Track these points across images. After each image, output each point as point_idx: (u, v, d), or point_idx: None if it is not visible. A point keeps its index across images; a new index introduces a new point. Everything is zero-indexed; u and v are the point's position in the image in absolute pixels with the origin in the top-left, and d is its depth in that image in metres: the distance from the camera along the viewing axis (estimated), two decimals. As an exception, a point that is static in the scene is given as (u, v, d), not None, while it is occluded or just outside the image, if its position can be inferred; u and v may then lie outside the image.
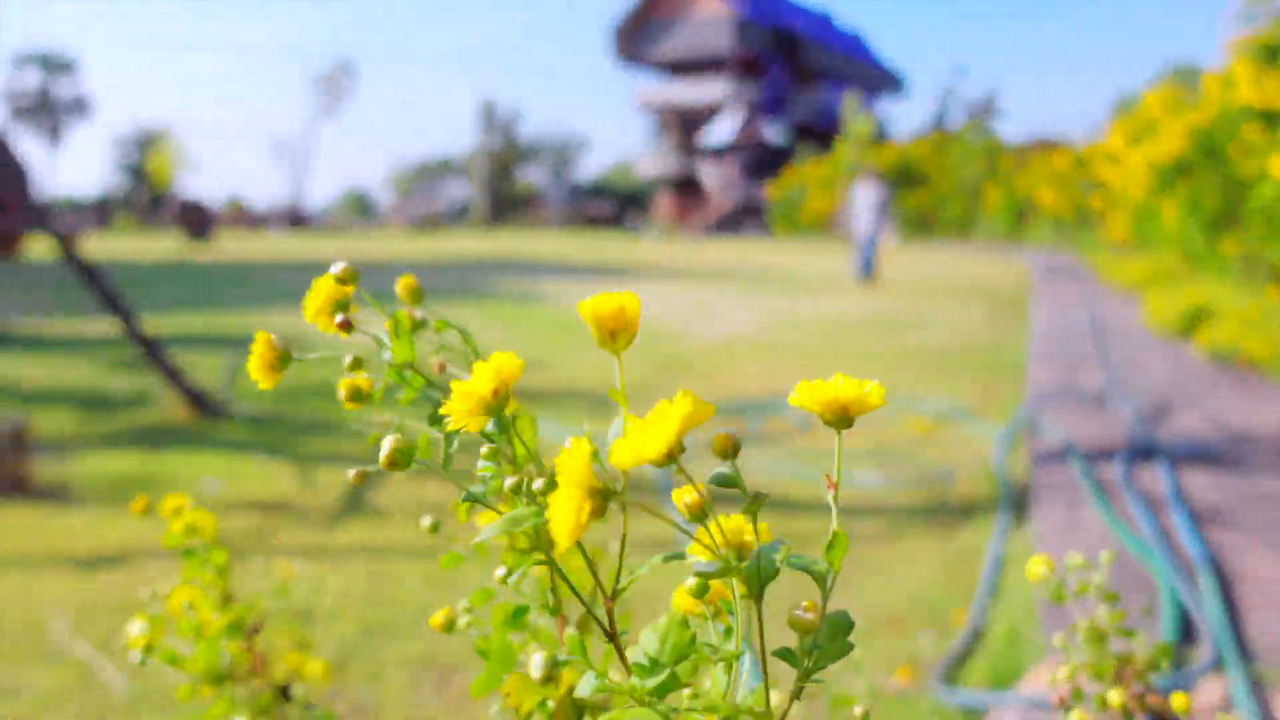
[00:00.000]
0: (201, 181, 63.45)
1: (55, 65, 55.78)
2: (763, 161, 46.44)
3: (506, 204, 66.88)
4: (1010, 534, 2.78)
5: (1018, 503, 3.07)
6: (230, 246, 25.09)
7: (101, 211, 42.87)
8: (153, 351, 3.98)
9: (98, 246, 24.20)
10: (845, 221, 12.93)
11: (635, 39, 50.63)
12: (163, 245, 25.81)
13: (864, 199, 12.85)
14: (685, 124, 48.94)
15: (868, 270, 12.64)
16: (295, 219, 47.49)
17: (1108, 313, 7.94)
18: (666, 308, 9.29)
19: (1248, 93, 6.98)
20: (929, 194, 31.76)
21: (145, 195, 48.96)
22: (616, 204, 69.35)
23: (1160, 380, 4.75)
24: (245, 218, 46.24)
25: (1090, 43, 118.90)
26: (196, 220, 26.16)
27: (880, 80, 57.86)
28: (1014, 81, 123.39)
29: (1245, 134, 7.22)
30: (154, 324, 6.96)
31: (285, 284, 12.18)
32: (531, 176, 70.78)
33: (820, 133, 49.59)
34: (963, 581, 2.46)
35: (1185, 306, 6.37)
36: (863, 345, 6.92)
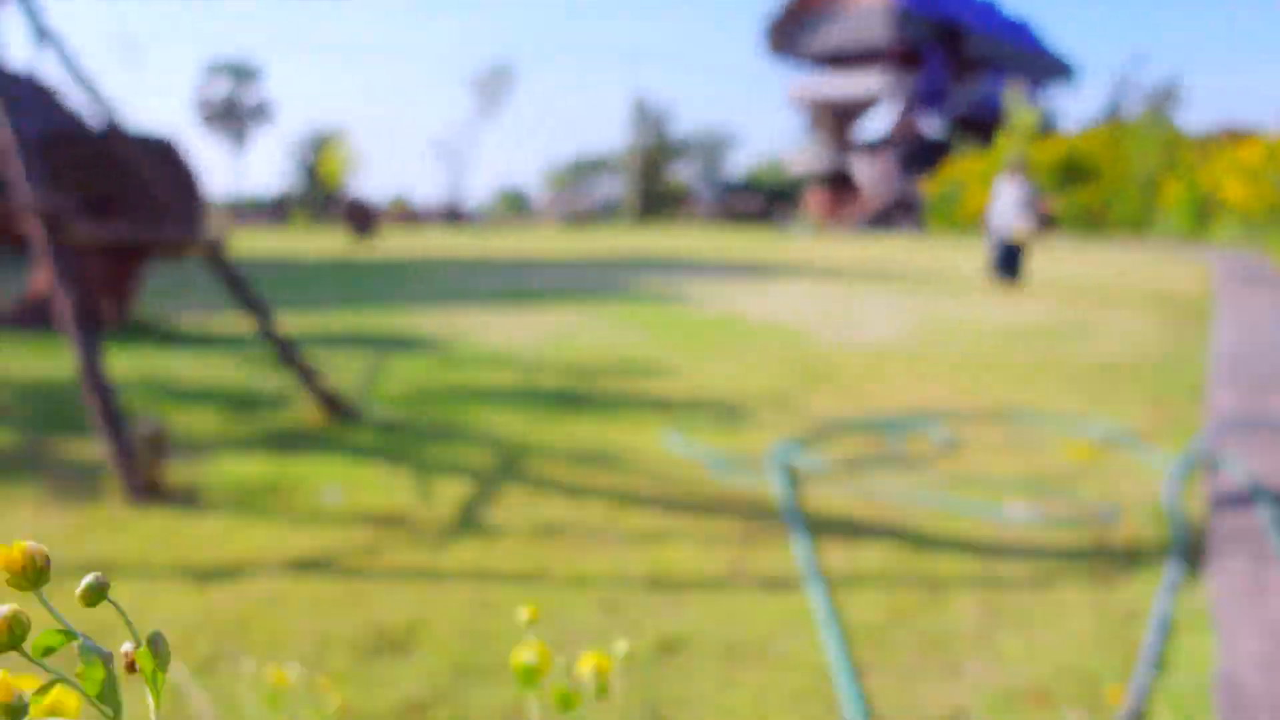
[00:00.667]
0: (369, 181, 66.78)
1: (242, 73, 59.82)
2: (919, 156, 44.89)
3: (656, 200, 67.32)
4: (1181, 591, 2.44)
5: (1192, 553, 2.71)
6: (392, 244, 26.17)
7: (279, 210, 45.68)
8: (288, 352, 4.06)
9: (272, 244, 25.73)
10: (988, 218, 12.12)
11: (789, 33, 49.90)
12: (331, 242, 27.18)
13: (1007, 195, 11.98)
14: (838, 118, 47.89)
15: (1007, 270, 11.84)
16: (453, 216, 49.21)
17: (1305, 324, 7.15)
18: (812, 310, 8.99)
19: None
20: (1100, 189, 29.83)
21: (318, 194, 51.82)
22: (765, 200, 68.66)
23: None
24: (408, 215, 48.26)
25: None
26: (362, 218, 27.41)
27: (1048, 69, 54.90)
28: (1200, 66, 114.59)
29: None
30: (304, 322, 7.27)
31: (439, 283, 12.53)
32: (681, 173, 70.99)
33: (982, 125, 47.50)
34: (1122, 647, 2.15)
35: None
36: (1018, 356, 6.45)
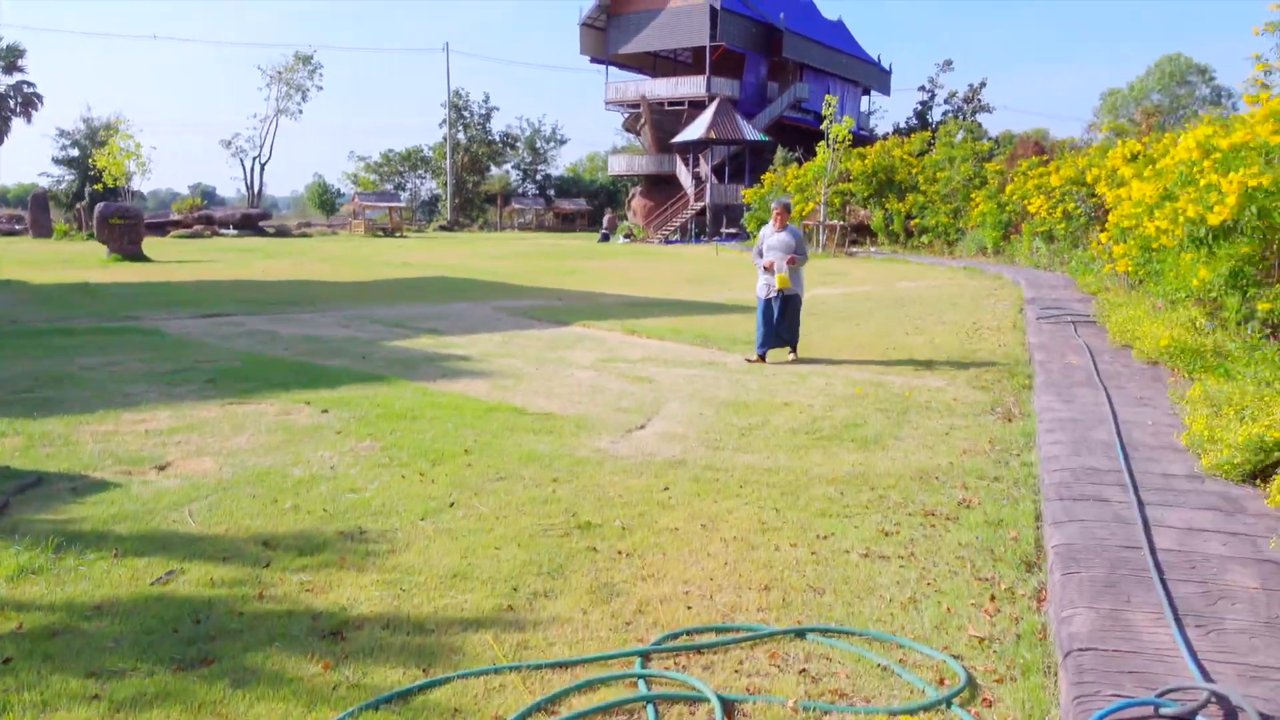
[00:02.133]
0: (159, 178, 61.24)
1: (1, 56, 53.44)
2: (741, 160, 44.77)
3: (476, 200, 64.88)
4: None
5: None
6: (165, 256, 23.34)
7: (39, 212, 40.63)
8: None
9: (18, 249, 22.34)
10: (758, 267, 9.57)
11: (606, 32, 48.78)
12: (90, 256, 24.03)
13: (775, 242, 9.37)
14: (658, 120, 47.18)
15: (765, 345, 9.37)
16: (252, 219, 45.45)
17: (1134, 416, 6.37)
18: (604, 382, 7.65)
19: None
20: (912, 200, 30.17)
21: (88, 193, 46.72)
22: (591, 200, 67.54)
23: (1249, 601, 3.21)
24: (202, 218, 44.18)
25: (1081, 33, 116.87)
26: (119, 228, 24.29)
27: (864, 74, 56.20)
28: (1002, 74, 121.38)
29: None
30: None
31: (98, 374, 10.46)
32: (504, 172, 68.73)
33: (803, 130, 47.97)
34: None
35: (1248, 438, 4.80)
36: (822, 468, 5.30)
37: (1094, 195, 21.49)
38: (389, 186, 65.94)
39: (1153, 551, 3.80)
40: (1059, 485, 4.81)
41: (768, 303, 9.38)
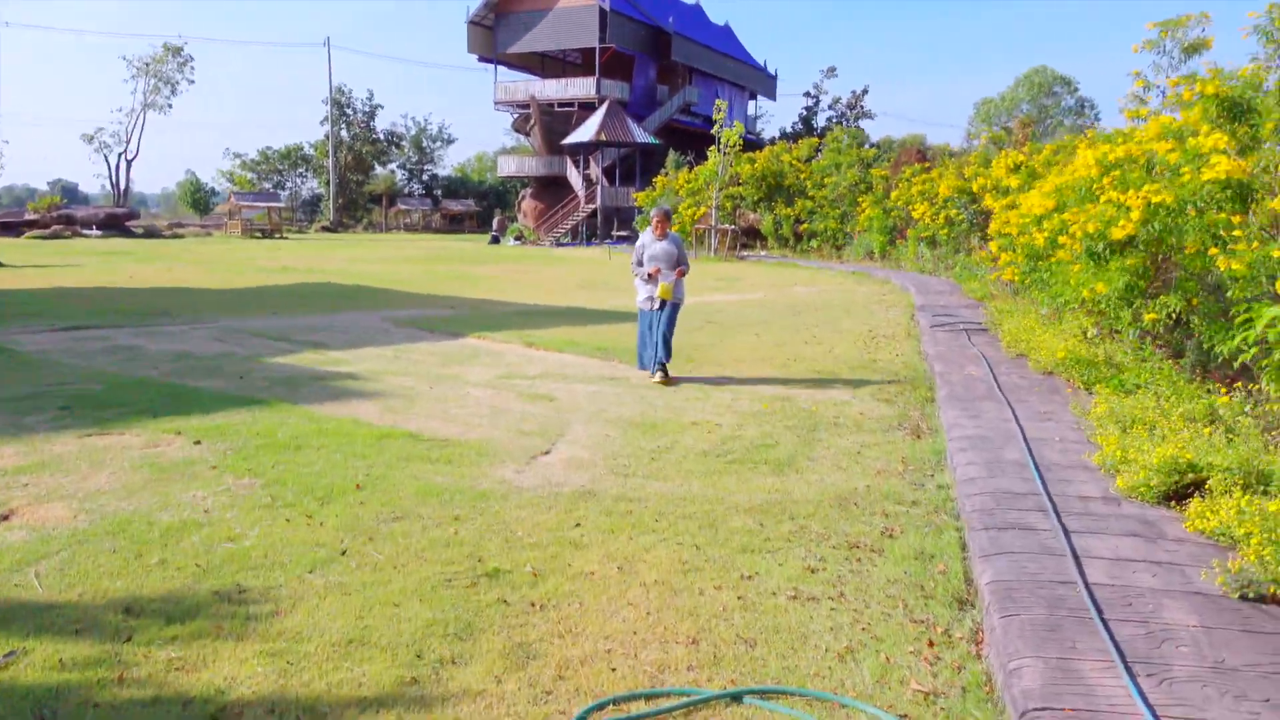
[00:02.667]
0: (13, 173, 57.22)
1: None
2: (632, 163, 44.71)
3: (360, 200, 63.01)
4: None
5: None
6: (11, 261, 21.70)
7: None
8: None
9: None
10: (636, 280, 9.06)
11: (494, 30, 48.03)
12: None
13: (656, 250, 8.76)
14: (548, 121, 46.70)
15: (662, 356, 8.72)
16: (118, 219, 42.91)
17: (1041, 432, 6.37)
18: (504, 403, 7.25)
19: (1225, 166, 5.49)
20: (800, 205, 30.58)
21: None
22: (480, 201, 66.50)
23: (1192, 642, 3.11)
24: (62, 218, 41.46)
25: (955, 44, 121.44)
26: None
27: (751, 79, 56.96)
28: (883, 81, 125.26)
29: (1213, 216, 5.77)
30: None
31: None
32: (389, 171, 66.96)
33: (692, 133, 48.25)
34: None
35: (1162, 460, 4.79)
36: (738, 496, 5.07)
37: (975, 202, 22.21)
38: (268, 185, 63.39)
39: (1088, 588, 3.68)
40: (981, 512, 4.70)
41: (650, 316, 8.86)
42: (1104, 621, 3.37)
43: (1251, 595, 3.59)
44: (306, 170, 65.85)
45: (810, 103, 59.37)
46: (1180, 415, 6.00)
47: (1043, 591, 3.67)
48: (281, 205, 53.56)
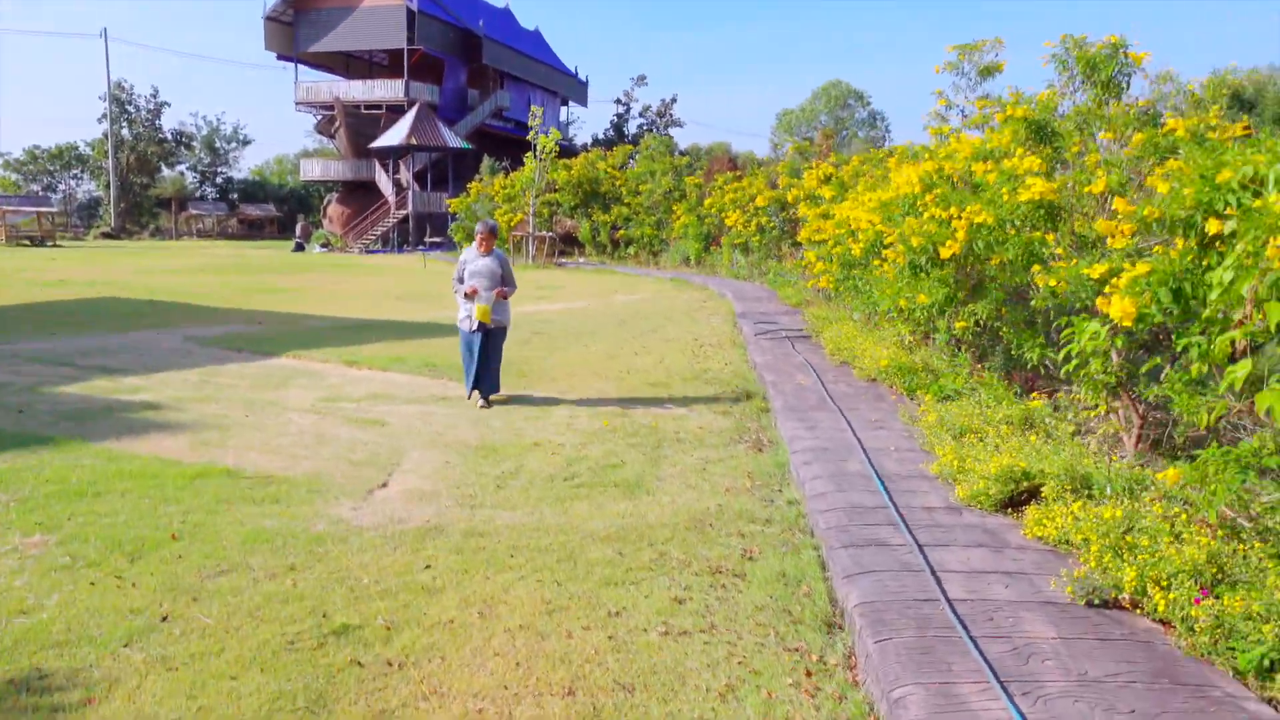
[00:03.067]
0: None
1: None
2: (444, 168, 43.76)
3: (145, 205, 58.51)
4: None
5: None
6: None
7: None
8: None
9: None
10: (459, 298, 8.40)
11: (294, 27, 45.83)
12: None
13: (479, 266, 8.19)
14: (354, 124, 45.00)
15: (473, 384, 8.26)
16: None
17: (877, 442, 6.57)
18: (321, 434, 6.75)
19: (1039, 188, 5.83)
20: (617, 212, 30.83)
21: None
22: (280, 206, 63.32)
23: (1055, 655, 3.22)
24: None
25: (756, 56, 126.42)
26: None
27: (563, 85, 57.04)
28: (690, 90, 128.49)
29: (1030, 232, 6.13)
30: None
31: None
32: (178, 173, 62.53)
33: (506, 139, 47.78)
34: None
35: (1000, 470, 5.01)
36: (597, 558, 4.92)
37: (785, 210, 23.10)
38: (36, 188, 57.76)
39: (951, 605, 3.76)
40: (836, 530, 4.75)
41: (470, 336, 8.20)
42: (973, 640, 3.44)
43: (1097, 601, 3.77)
44: (82, 171, 60.47)
45: (621, 110, 60.13)
46: (1001, 420, 6.34)
47: (910, 611, 3.72)
48: (54, 210, 48.91)
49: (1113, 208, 4.66)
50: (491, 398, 8.36)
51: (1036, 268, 5.60)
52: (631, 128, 59.31)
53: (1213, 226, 3.82)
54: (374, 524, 5.08)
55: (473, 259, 8.32)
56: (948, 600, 3.80)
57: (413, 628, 3.81)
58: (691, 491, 5.83)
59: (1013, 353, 8.09)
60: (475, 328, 8.15)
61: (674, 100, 59.43)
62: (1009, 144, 6.80)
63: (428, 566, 4.48)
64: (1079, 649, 3.38)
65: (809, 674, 3.51)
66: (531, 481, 5.98)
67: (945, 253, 6.32)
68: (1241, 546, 3.88)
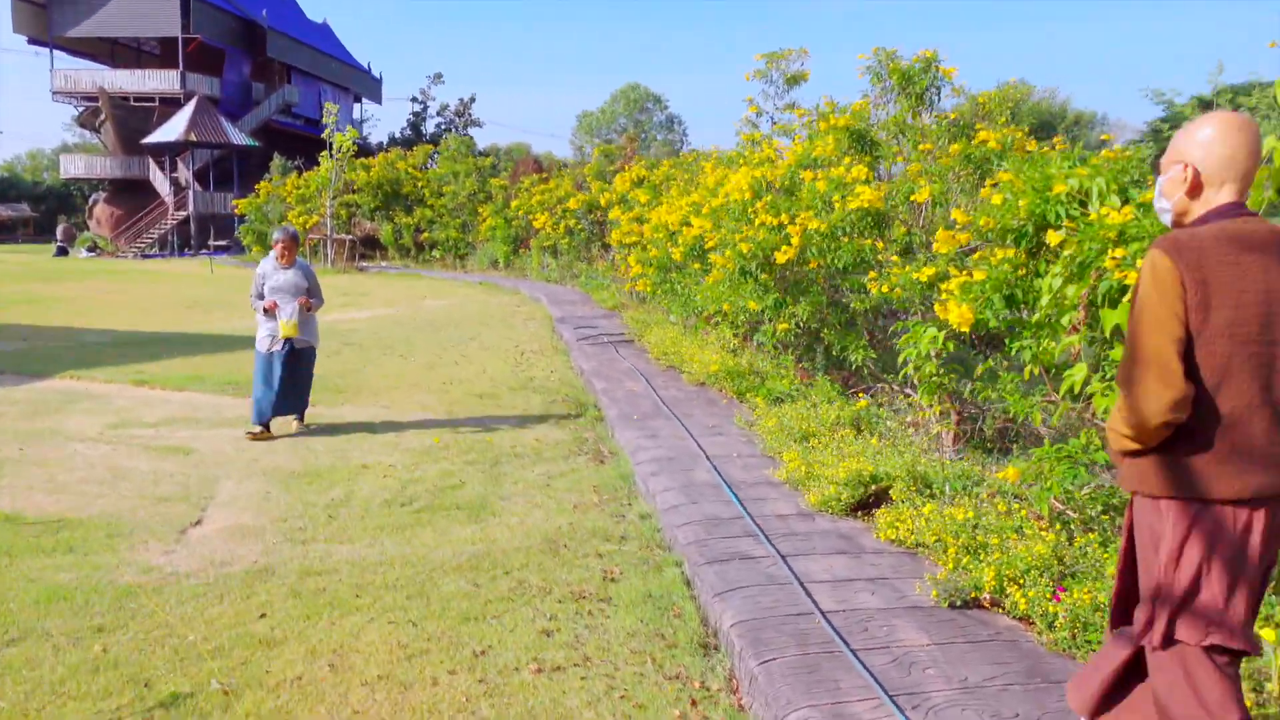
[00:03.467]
0: None
1: None
2: (228, 166, 41.07)
3: None
4: None
5: None
6: None
7: None
8: None
9: None
10: (258, 314, 7.48)
11: (47, 9, 41.66)
12: None
13: (277, 281, 7.35)
14: (123, 117, 41.44)
15: (272, 412, 7.27)
16: None
17: (719, 449, 6.59)
18: (92, 484, 5.99)
19: (867, 195, 6.01)
20: (420, 214, 29.93)
21: None
22: (37, 206, 57.51)
23: (934, 663, 3.26)
24: None
25: (554, 57, 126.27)
26: None
27: (355, 81, 54.88)
28: (488, 90, 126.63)
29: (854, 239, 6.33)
30: None
31: None
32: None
33: (296, 136, 45.41)
34: None
35: (849, 474, 5.10)
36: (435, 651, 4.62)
37: (592, 212, 23.18)
38: None
39: (826, 617, 3.75)
40: (696, 544, 4.67)
41: (269, 358, 7.29)
42: (855, 654, 3.43)
43: (959, 603, 3.87)
44: None
45: (418, 108, 58.54)
46: (835, 422, 6.51)
47: (787, 628, 3.68)
48: None
49: (952, 217, 4.85)
50: (308, 419, 7.70)
51: (873, 274, 5.77)
52: (430, 127, 57.90)
53: (1052, 238, 4.01)
54: (192, 570, 4.55)
55: (272, 272, 7.41)
56: (822, 613, 3.79)
57: (255, 689, 3.40)
58: (539, 510, 5.61)
59: (834, 354, 8.37)
60: (279, 347, 7.28)
61: (473, 100, 58.50)
62: (833, 152, 7.01)
63: (263, 615, 4.04)
64: (954, 654, 3.44)
65: (694, 703, 3.39)
66: (366, 509, 5.57)
67: (781, 258, 6.42)
68: (1079, 539, 4.10)
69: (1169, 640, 2.27)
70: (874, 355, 7.53)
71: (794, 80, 12.22)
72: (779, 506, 5.24)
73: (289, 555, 4.77)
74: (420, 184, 30.83)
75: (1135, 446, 2.25)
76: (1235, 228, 2.18)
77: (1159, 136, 30.35)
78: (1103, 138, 8.83)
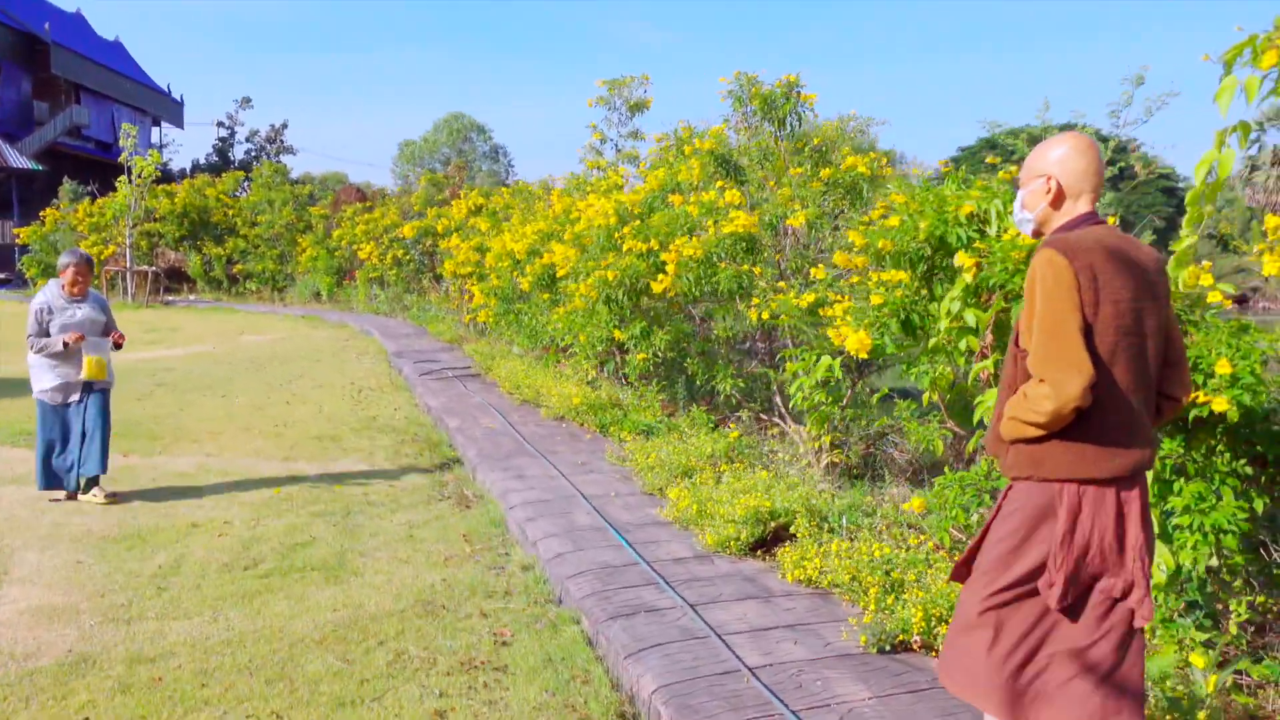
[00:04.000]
0: None
1: None
2: (8, 192, 37.33)
3: None
4: None
5: None
6: None
7: None
8: None
9: None
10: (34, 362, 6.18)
11: None
12: None
13: (70, 318, 6.15)
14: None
15: (96, 468, 6.14)
16: None
17: (594, 487, 6.20)
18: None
19: (740, 221, 5.82)
20: (232, 244, 28.07)
21: None
22: None
23: (879, 718, 2.99)
24: None
25: (371, 84, 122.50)
26: None
27: (153, 103, 51.30)
28: (302, 116, 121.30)
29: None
30: None
31: None
32: None
33: (87, 160, 41.88)
34: None
35: (747, 511, 4.83)
36: None
37: (420, 241, 22.44)
38: None
39: (755, 674, 3.43)
40: (595, 597, 4.27)
41: (62, 410, 6.13)
42: (797, 716, 3.12)
43: (888, 648, 3.65)
44: None
45: (225, 133, 55.33)
46: (710, 455, 6.27)
47: (717, 690, 3.33)
48: None
49: (849, 238, 4.70)
50: (98, 497, 6.14)
51: (756, 300, 5.57)
52: (239, 153, 54.82)
53: (964, 260, 3.89)
54: (-12, 666, 3.73)
55: (62, 306, 6.14)
56: (750, 670, 3.47)
57: (84, 822, 2.73)
58: (406, 566, 5.04)
59: (698, 383, 8.18)
60: (74, 398, 6.13)
61: (285, 126, 55.87)
62: (699, 176, 6.82)
63: (85, 719, 3.32)
64: (899, 707, 3.19)
65: (626, 787, 2.98)
66: (202, 576, 4.83)
67: (657, 287, 6.13)
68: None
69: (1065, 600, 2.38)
70: (742, 384, 7.36)
71: (637, 107, 12.10)
72: (673, 549, 4.91)
73: (112, 639, 4.02)
74: (232, 212, 28.91)
75: (1039, 433, 2.37)
76: (1113, 238, 2.40)
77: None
78: (913, 171, 9.08)
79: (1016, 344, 2.50)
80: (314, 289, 25.93)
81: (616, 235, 6.81)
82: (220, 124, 55.37)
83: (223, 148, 55.17)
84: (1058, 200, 2.49)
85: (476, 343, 14.17)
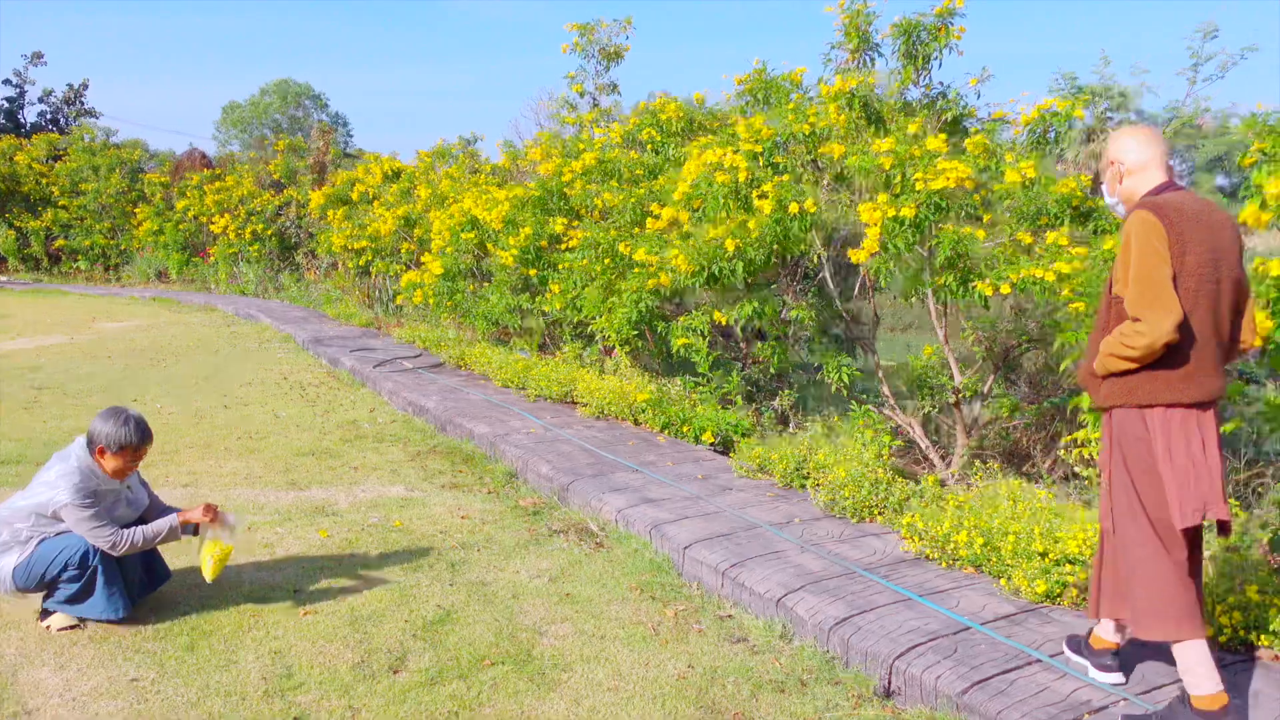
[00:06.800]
0: None
1: None
2: None
3: None
4: None
5: None
6: None
7: None
8: None
9: None
10: None
11: None
12: None
13: None
14: None
15: None
16: None
17: (772, 515, 4.91)
18: None
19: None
20: (52, 217, 24.36)
21: None
22: None
23: None
24: None
25: (186, 42, 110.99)
26: None
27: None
28: (105, 76, 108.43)
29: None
30: None
31: None
32: None
33: None
34: None
35: (1059, 555, 3.72)
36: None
37: (282, 213, 20.14)
38: None
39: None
40: (976, 688, 3.04)
41: None
42: None
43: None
44: None
45: (13, 92, 48.75)
46: (875, 460, 5.13)
47: None
48: None
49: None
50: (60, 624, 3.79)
51: (986, 270, 4.44)
52: (31, 115, 48.45)
53: None
54: None
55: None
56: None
57: None
58: (616, 647, 3.62)
59: (772, 371, 7.03)
60: None
61: (85, 86, 49.80)
62: (844, 124, 5.60)
63: None
64: None
65: None
66: (344, 690, 3.24)
67: (858, 255, 4.86)
68: None
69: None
70: (859, 374, 6.25)
71: (612, 56, 10.70)
72: (974, 600, 3.73)
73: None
74: (46, 181, 25.08)
75: (1133, 366, 2.70)
76: (1194, 202, 2.72)
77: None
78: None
79: (1109, 292, 2.84)
80: (158, 267, 22.85)
81: (749, 191, 5.45)
82: (7, 81, 48.80)
83: (11, 109, 48.66)
84: (1127, 178, 2.88)
85: (408, 327, 12.38)
